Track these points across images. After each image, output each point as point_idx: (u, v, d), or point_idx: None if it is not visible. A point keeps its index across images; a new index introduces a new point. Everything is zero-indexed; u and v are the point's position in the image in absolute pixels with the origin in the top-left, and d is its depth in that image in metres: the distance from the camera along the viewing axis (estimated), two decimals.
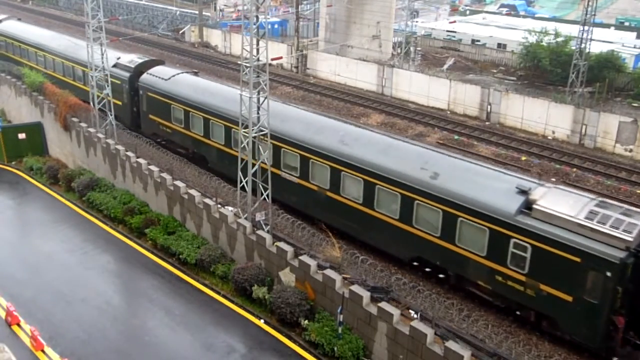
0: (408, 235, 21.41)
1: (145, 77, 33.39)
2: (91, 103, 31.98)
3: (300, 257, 20.80)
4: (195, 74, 33.69)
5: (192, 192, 25.65)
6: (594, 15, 41.12)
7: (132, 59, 35.91)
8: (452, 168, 21.23)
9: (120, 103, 34.58)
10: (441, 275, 21.27)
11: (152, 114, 32.95)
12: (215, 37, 62.10)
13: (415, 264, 21.99)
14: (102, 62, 30.72)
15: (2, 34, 48.44)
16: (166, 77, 32.17)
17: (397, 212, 21.62)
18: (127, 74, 34.36)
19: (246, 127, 22.33)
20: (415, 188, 20.98)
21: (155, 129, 32.98)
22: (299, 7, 55.44)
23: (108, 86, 30.92)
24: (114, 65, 34.94)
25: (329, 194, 23.98)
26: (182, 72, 33.03)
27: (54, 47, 41.97)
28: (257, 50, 21.49)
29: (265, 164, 22.86)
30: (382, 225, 22.22)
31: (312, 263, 20.46)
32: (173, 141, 31.89)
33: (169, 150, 30.72)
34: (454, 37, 62.27)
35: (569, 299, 17.58)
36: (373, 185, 22.21)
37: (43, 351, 19.36)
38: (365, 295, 18.83)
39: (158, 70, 33.65)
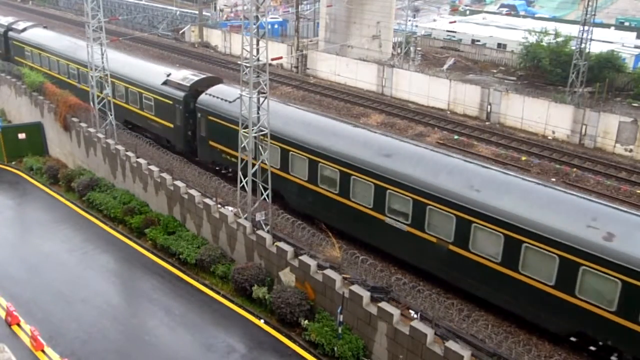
0: (567, 306, 17.73)
1: (204, 98, 29.42)
2: (91, 103, 31.97)
3: (300, 257, 20.81)
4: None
5: (192, 192, 25.65)
6: (594, 15, 41.13)
7: (185, 75, 31.76)
8: (633, 228, 17.40)
9: (171, 125, 31.52)
10: (613, 358, 17.78)
11: (213, 140, 29.00)
12: (215, 37, 62.12)
13: (572, 339, 18.46)
14: (103, 63, 30.70)
15: (28, 43, 44.42)
16: (231, 98, 27.76)
17: (553, 278, 17.85)
18: (182, 94, 30.51)
19: (246, 127, 22.35)
20: (582, 251, 17.19)
21: (217, 157, 29.21)
22: (299, 7, 55.44)
23: (108, 86, 30.89)
24: (164, 83, 31.81)
25: (453, 248, 20.09)
26: None
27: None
28: (257, 50, 21.50)
29: (265, 164, 22.85)
30: (529, 291, 18.47)
31: (312, 263, 20.46)
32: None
33: (233, 184, 26.59)
34: (454, 37, 62.28)
35: None
36: (518, 243, 18.45)
37: (43, 351, 19.36)
38: (365, 295, 18.83)
39: (219, 90, 29.50)
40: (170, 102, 31.08)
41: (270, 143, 24.02)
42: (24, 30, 45.96)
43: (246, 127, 22.32)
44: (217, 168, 29.54)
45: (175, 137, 31.67)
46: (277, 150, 25.22)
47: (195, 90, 30.24)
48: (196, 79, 31.15)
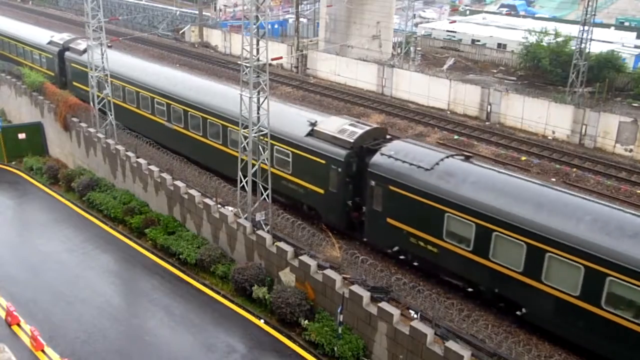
0: None
1: (381, 160, 22.08)
2: (91, 103, 31.97)
3: (300, 257, 20.82)
4: (467, 158, 22.16)
5: (192, 192, 25.66)
6: (594, 15, 41.13)
7: (342, 126, 24.09)
8: None
9: (320, 191, 24.14)
10: None
11: (395, 217, 21.75)
12: (215, 37, 62.13)
13: None
14: (103, 63, 30.71)
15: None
16: (426, 164, 21.03)
17: None
18: (343, 152, 23.15)
19: (246, 127, 22.37)
20: None
21: (399, 240, 21.85)
22: (299, 7, 55.46)
23: (108, 86, 30.86)
24: (310, 134, 24.53)
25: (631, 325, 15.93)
26: (448, 156, 21.65)
27: (178, 91, 31.05)
28: (257, 50, 21.51)
29: (266, 164, 22.85)
30: None
31: (312, 263, 20.47)
32: (439, 264, 20.92)
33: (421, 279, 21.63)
34: (454, 37, 62.30)
35: None
36: None
37: (43, 351, 19.38)
38: (365, 295, 18.85)
39: (403, 149, 22.29)
40: (323, 162, 23.75)
41: (504, 234, 18.55)
42: (85, 51, 36.81)
43: (246, 127, 22.34)
44: (392, 251, 22.49)
45: (326, 207, 24.43)
46: (522, 248, 18.25)
47: (360, 147, 23.38)
48: (360, 132, 23.70)
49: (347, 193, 23.57)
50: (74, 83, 39.31)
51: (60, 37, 42.09)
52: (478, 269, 19.46)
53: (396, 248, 22.21)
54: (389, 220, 22.06)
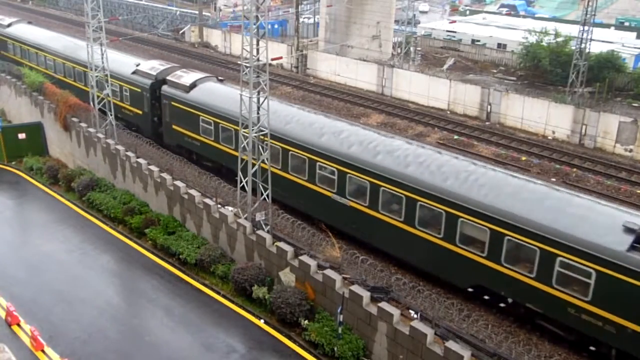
0: None
1: None
2: (91, 103, 31.96)
3: (300, 257, 20.81)
4: None
5: (192, 192, 25.65)
6: (594, 15, 41.20)
7: None
8: None
9: (630, 327, 16.50)
10: None
11: None
12: (215, 37, 62.19)
13: None
14: (102, 63, 30.70)
15: (208, 110, 28.90)
16: None
17: None
18: None
19: (246, 127, 22.36)
20: None
21: None
22: (299, 7, 55.49)
23: (107, 86, 30.84)
24: (635, 247, 16.53)
25: None
26: None
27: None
28: (257, 50, 21.51)
29: (265, 163, 22.84)
30: None
31: (312, 263, 20.46)
32: None
33: None
34: (454, 37, 62.34)
35: None
36: None
37: (43, 351, 19.36)
38: (365, 295, 18.84)
39: None
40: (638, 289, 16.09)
41: None
42: (193, 86, 30.25)
43: (246, 127, 22.33)
44: None
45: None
46: None
47: None
48: None
49: None
50: (174, 127, 31.13)
51: (151, 66, 33.47)
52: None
53: None
54: None
